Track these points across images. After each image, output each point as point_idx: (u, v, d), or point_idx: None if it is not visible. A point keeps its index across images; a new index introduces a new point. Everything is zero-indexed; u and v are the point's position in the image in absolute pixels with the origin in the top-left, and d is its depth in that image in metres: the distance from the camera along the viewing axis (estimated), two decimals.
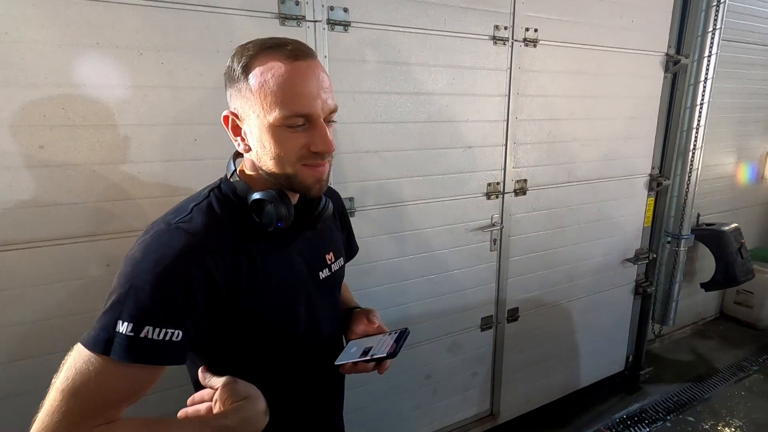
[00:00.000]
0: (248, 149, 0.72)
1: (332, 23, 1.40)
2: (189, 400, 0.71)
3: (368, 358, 0.76)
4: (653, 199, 2.42)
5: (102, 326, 0.59)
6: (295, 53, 0.66)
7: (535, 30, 1.77)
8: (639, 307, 2.58)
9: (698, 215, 2.88)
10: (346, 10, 1.41)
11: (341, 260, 0.93)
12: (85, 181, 1.17)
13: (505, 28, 1.71)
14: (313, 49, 1.33)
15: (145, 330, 0.58)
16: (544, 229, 2.05)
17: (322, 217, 0.79)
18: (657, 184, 2.37)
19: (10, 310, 1.15)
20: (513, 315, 2.08)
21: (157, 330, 0.59)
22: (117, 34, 1.14)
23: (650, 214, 2.43)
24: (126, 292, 0.60)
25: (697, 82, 2.27)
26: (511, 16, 1.71)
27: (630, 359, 2.64)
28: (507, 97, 1.79)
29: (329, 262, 0.87)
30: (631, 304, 2.53)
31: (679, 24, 2.20)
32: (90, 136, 1.15)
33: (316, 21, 1.37)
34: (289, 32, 1.33)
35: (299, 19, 1.35)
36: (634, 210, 2.35)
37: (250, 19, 1.28)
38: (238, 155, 0.78)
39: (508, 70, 1.76)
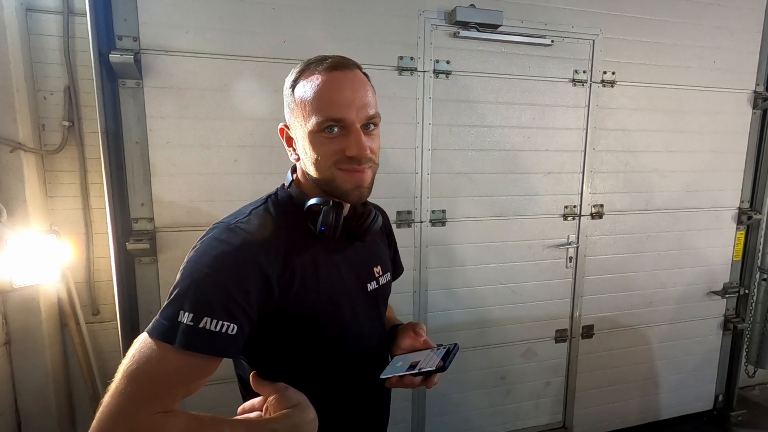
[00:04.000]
0: (298, 158, 0.78)
1: (437, 72, 1.80)
2: (239, 409, 0.72)
3: (416, 371, 0.75)
4: (743, 233, 2.40)
5: (165, 317, 0.63)
6: (333, 65, 0.70)
7: (613, 72, 2.01)
8: (729, 344, 2.51)
9: None
10: (448, 62, 1.80)
11: (388, 275, 0.93)
12: (262, 185, 1.66)
13: (584, 71, 1.97)
14: (422, 92, 1.74)
15: (203, 321, 0.61)
16: (620, 252, 2.19)
17: (371, 229, 0.81)
18: (747, 218, 2.36)
19: None
20: (588, 332, 2.21)
21: (215, 322, 0.62)
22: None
23: (740, 248, 2.41)
24: (188, 286, 0.64)
25: None
26: (590, 62, 1.98)
27: (719, 399, 2.54)
28: (585, 131, 2.03)
29: (377, 275, 0.88)
30: (720, 339, 2.48)
31: None
32: (262, 153, 1.65)
33: (425, 71, 1.78)
34: (404, 80, 1.76)
35: (412, 70, 1.76)
36: (720, 242, 2.37)
37: (376, 71, 1.72)
38: (295, 168, 0.83)
39: (586, 108, 2.01)
